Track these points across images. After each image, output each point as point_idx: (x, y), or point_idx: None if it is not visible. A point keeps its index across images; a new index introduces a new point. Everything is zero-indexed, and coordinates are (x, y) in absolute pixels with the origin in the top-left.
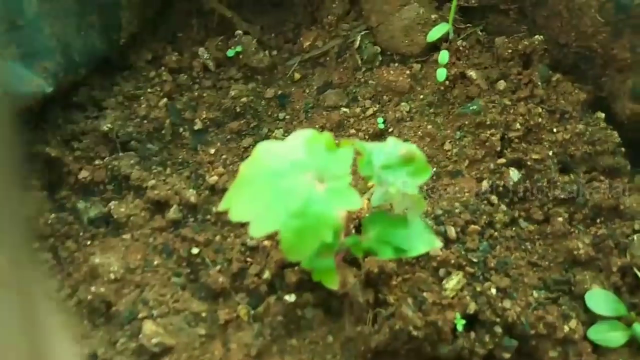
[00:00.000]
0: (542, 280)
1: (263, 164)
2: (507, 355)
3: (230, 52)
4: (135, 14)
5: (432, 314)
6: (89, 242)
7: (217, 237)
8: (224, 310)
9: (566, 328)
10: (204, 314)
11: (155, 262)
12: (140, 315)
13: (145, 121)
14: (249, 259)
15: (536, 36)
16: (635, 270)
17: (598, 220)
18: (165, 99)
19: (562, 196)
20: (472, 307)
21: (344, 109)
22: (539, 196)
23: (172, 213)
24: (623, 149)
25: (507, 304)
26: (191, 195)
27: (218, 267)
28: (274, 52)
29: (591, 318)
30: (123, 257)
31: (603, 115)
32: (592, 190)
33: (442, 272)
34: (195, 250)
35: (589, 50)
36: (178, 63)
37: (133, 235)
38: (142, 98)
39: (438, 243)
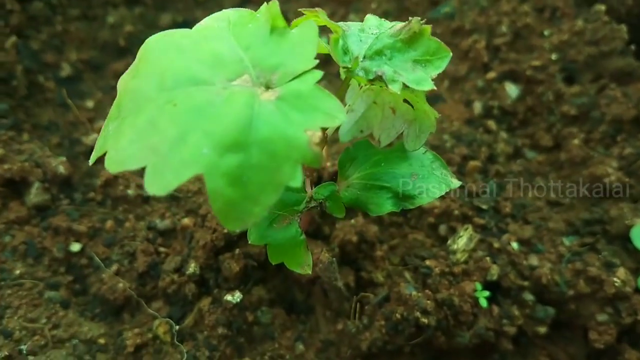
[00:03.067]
0: (569, 223)
1: (159, 68)
2: (542, 330)
3: None
4: None
5: (443, 290)
6: None
7: (108, 223)
8: (132, 330)
9: (615, 280)
10: (101, 341)
11: (17, 272)
12: (1, 356)
13: None
14: (162, 249)
15: None
16: None
17: (619, 138)
18: (13, 37)
19: (573, 112)
20: (494, 272)
21: None
22: (545, 115)
23: (35, 195)
24: (633, 47)
25: (533, 260)
26: (58, 163)
27: (115, 267)
28: None
29: (637, 261)
30: None
31: (603, 7)
32: (606, 101)
33: (443, 228)
34: (76, 247)
35: None
36: None
37: None
38: None
39: (456, 181)
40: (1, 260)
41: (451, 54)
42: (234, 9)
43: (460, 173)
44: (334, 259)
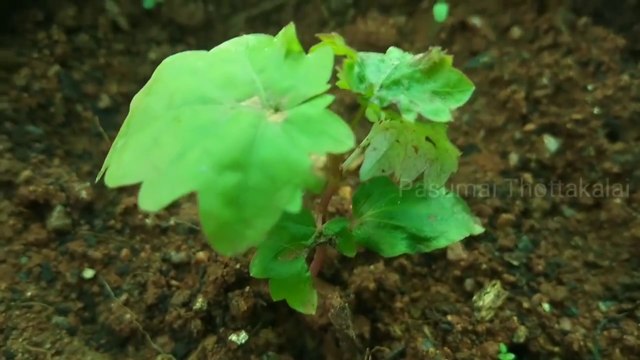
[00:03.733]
0: (607, 287)
1: (171, 87)
2: None
3: (149, 3)
4: None
5: (464, 349)
6: None
7: (124, 251)
8: None
9: None
10: None
11: (29, 294)
12: None
13: (25, 94)
14: (174, 282)
15: None
16: None
17: None
18: (56, 66)
19: (615, 169)
20: (521, 333)
21: None
22: (586, 172)
23: (56, 218)
24: None
25: (566, 324)
26: (82, 188)
27: (124, 297)
28: (211, 7)
29: None
30: None
31: None
32: None
33: (469, 283)
34: (89, 273)
35: None
36: (77, 20)
37: None
38: (24, 66)
39: (479, 227)
40: (15, 281)
41: (474, 87)
42: (254, 34)
43: (491, 226)
44: (347, 304)
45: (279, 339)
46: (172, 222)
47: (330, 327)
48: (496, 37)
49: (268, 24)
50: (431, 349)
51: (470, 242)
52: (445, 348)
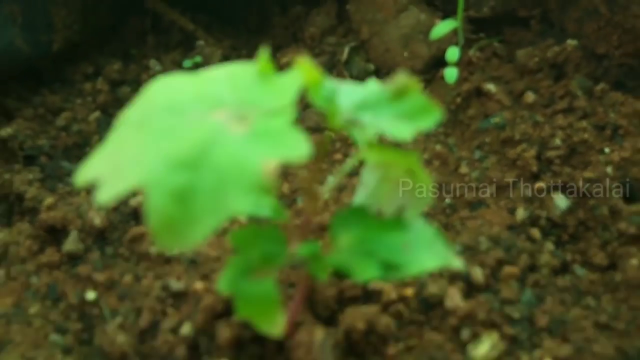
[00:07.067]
0: (620, 351)
1: (150, 102)
2: None
3: (187, 63)
4: (74, 13)
5: None
6: None
7: (127, 277)
8: None
9: None
10: None
11: (32, 311)
12: None
13: (64, 133)
14: (169, 310)
15: (568, 41)
16: None
17: None
18: (97, 112)
19: (632, 230)
20: None
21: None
22: (599, 231)
23: (71, 243)
24: None
25: None
26: (95, 215)
27: (119, 320)
28: None
29: None
30: None
31: None
32: None
33: (465, 333)
34: (91, 295)
35: (637, 59)
36: (121, 74)
37: (9, 271)
38: (68, 110)
39: (457, 261)
40: (21, 298)
41: (441, 113)
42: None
43: (493, 277)
44: (328, 340)
45: None
46: (175, 252)
47: None
48: (510, 102)
49: None
50: None
51: (470, 292)
52: None
